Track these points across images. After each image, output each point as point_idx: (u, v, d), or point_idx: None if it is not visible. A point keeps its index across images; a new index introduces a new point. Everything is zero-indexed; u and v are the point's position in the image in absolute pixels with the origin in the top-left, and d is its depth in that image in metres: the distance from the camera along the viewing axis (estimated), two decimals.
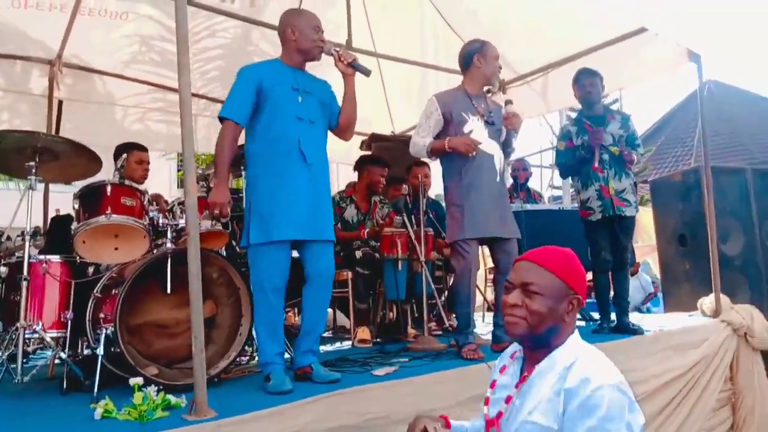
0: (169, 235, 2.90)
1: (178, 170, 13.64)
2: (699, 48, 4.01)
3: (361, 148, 5.80)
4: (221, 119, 2.67)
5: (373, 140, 5.62)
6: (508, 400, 1.55)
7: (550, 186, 12.32)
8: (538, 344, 1.52)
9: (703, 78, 4.15)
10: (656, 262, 5.78)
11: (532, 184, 5.93)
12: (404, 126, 6.27)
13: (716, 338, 4.01)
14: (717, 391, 3.94)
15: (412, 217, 3.78)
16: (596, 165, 3.76)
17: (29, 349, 2.81)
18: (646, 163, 17.57)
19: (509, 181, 5.33)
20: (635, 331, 3.71)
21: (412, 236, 3.57)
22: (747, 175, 4.78)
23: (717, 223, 4.35)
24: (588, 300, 5.27)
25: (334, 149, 5.02)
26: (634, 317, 4.65)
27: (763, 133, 17.35)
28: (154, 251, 2.86)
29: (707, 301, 4.31)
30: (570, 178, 4.47)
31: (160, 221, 2.92)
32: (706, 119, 4.52)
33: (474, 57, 3.29)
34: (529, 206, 4.70)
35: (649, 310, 8.23)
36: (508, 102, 3.28)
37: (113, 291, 2.70)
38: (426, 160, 3.96)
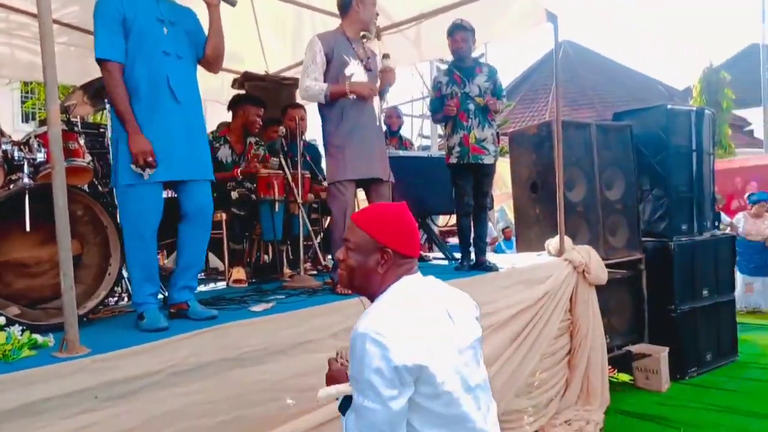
0: (26, 169, 2.70)
1: (23, 102, 12.29)
2: (556, 9, 4.32)
3: (233, 86, 5.63)
4: (99, 61, 2.48)
5: (246, 79, 5.48)
6: None
7: (419, 135, 12.76)
8: (363, 293, 1.70)
9: (559, 38, 4.50)
10: (511, 208, 6.30)
11: (404, 132, 6.14)
12: (278, 66, 6.15)
13: (559, 274, 4.51)
14: (558, 321, 4.48)
15: (288, 159, 3.80)
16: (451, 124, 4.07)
17: None
18: (506, 116, 18.68)
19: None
20: (491, 268, 4.08)
21: (290, 178, 3.60)
22: (591, 130, 5.30)
23: (564, 172, 4.83)
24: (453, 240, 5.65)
25: (205, 87, 4.85)
26: (490, 256, 5.08)
27: (607, 92, 19.17)
28: (11, 187, 2.65)
29: (553, 242, 4.80)
30: (440, 126, 4.69)
31: (16, 154, 2.71)
32: (560, 77, 4.93)
33: (353, 1, 3.32)
34: (401, 152, 4.90)
35: (503, 251, 9.01)
36: (386, 56, 3.37)
37: None
38: (302, 102, 3.97)
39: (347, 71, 3.19)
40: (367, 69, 3.26)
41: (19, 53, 5.13)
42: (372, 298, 1.68)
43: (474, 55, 4.61)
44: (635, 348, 5.38)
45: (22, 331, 2.13)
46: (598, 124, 5.45)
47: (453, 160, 4.09)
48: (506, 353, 3.85)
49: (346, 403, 1.60)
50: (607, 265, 5.09)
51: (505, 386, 3.79)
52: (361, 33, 3.49)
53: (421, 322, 1.53)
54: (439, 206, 4.70)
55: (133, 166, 2.46)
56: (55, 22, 5.08)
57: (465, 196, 4.14)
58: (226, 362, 2.39)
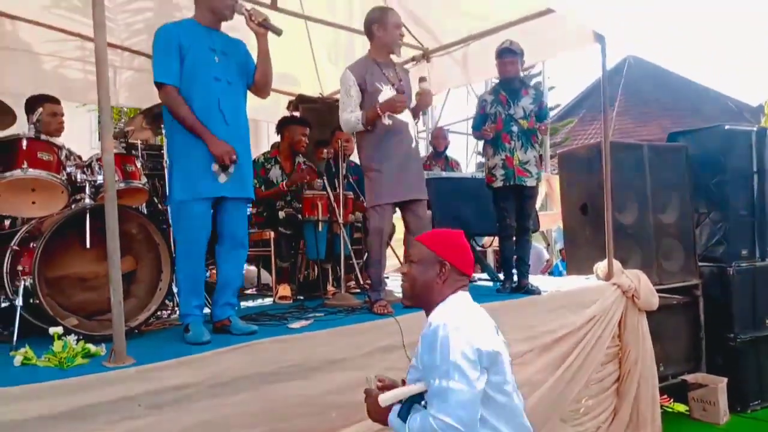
0: (87, 190, 2.92)
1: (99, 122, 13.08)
2: (604, 30, 4.30)
3: (288, 108, 5.85)
4: (158, 85, 2.69)
5: (300, 101, 5.69)
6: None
7: (476, 152, 12.72)
8: (421, 303, 1.89)
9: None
10: None
11: (456, 151, 6.20)
12: (332, 88, 6.34)
13: (607, 299, 4.42)
14: (605, 346, 4.38)
15: (335, 180, 3.93)
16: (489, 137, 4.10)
17: None
18: (567, 134, 18.37)
19: (429, 149, 5.56)
20: (533, 291, 4.05)
21: (332, 199, 3.72)
22: (644, 151, 5.19)
23: (615, 194, 4.74)
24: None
25: (262, 109, 5.07)
26: (536, 279, 5.04)
27: (674, 108, 18.51)
28: (73, 206, 2.88)
29: (601, 266, 4.72)
30: (482, 148, 4.71)
31: (78, 177, 2.94)
32: (626, 92, 4.86)
33: (373, 27, 3.38)
34: (443, 174, 4.95)
35: (560, 273, 8.86)
36: (422, 79, 3.44)
37: (31, 244, 2.72)
38: None
39: (381, 97, 3.27)
40: (399, 92, 3.32)
41: (93, 78, 5.50)
42: (429, 310, 1.85)
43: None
44: (691, 377, 5.18)
45: (77, 340, 2.31)
46: (650, 146, 5.34)
47: (498, 183, 4.10)
48: (550, 378, 3.80)
49: (404, 410, 1.73)
50: (662, 291, 4.96)
51: (548, 411, 3.75)
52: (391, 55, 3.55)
53: (486, 320, 1.78)
54: (482, 227, 4.72)
55: (214, 167, 2.66)
56: (126, 49, 5.47)
57: (507, 218, 4.15)
58: (263, 376, 2.50)
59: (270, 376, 2.52)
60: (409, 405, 1.72)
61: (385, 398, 1.75)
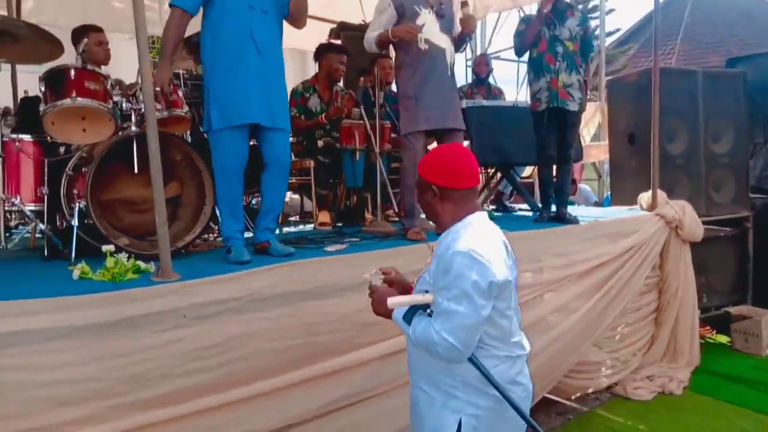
0: (133, 118, 3.06)
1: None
2: None
3: (330, 36, 5.81)
4: (171, 6, 2.73)
5: (342, 29, 5.63)
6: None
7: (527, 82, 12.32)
8: (438, 227, 1.92)
9: None
10: None
11: (507, 77, 6.05)
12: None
13: (648, 229, 4.37)
14: (644, 276, 4.37)
15: (373, 109, 3.95)
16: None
17: (11, 224, 3.05)
18: (626, 62, 17.50)
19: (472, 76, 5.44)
20: (571, 220, 4.04)
21: (368, 128, 3.76)
22: (698, 77, 4.96)
23: (664, 123, 4.59)
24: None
25: (309, 40, 5.04)
26: (577, 209, 5.02)
27: (742, 31, 17.26)
28: (120, 134, 3.03)
29: (645, 196, 4.64)
30: (527, 72, 4.57)
31: (124, 105, 3.08)
32: (691, 17, 4.61)
33: None
34: (484, 102, 4.87)
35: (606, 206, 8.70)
36: (464, 4, 3.37)
37: (83, 169, 2.91)
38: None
39: (419, 21, 3.23)
40: (439, 15, 3.26)
41: None
42: (445, 228, 1.89)
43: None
44: (735, 309, 5.13)
45: (128, 258, 2.49)
46: (705, 72, 5.09)
47: (541, 106, 4.01)
48: (585, 305, 3.85)
49: (410, 313, 1.82)
50: (709, 222, 4.87)
51: (581, 336, 3.82)
52: None
53: (499, 247, 1.79)
54: (523, 157, 4.67)
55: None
56: None
57: (548, 147, 4.10)
58: (299, 294, 2.64)
59: (306, 294, 2.66)
60: (414, 310, 1.80)
61: (393, 302, 1.82)
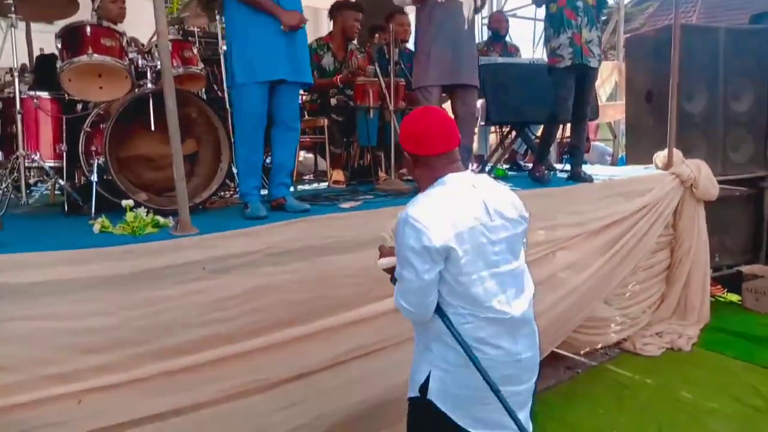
0: (149, 75, 3.08)
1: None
2: None
3: None
4: None
5: None
6: None
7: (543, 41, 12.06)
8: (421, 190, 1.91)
9: None
10: None
11: (525, 35, 5.94)
12: None
13: (662, 188, 4.36)
14: (657, 235, 4.38)
15: (387, 66, 3.92)
16: None
17: (31, 181, 3.11)
18: (646, 19, 17.06)
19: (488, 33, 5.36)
20: (585, 179, 4.04)
21: (383, 86, 3.74)
22: (719, 35, 4.86)
23: (683, 81, 4.52)
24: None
25: None
26: (593, 168, 5.00)
27: None
28: (136, 91, 3.05)
29: (661, 155, 4.61)
30: (544, 29, 4.47)
31: (140, 62, 3.09)
32: None
33: None
34: (498, 59, 4.81)
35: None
36: None
37: (101, 126, 2.94)
38: (408, 9, 4.01)
39: None
40: None
41: None
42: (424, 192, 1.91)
43: None
44: (747, 268, 5.14)
45: (147, 212, 2.55)
46: (728, 29, 4.98)
47: (564, 62, 3.86)
48: (596, 263, 3.88)
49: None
50: (726, 182, 4.84)
51: (592, 293, 3.86)
52: None
53: (454, 210, 1.72)
54: (537, 115, 4.63)
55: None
56: None
57: (567, 100, 3.97)
58: (315, 249, 2.70)
59: (321, 249, 2.71)
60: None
61: (380, 263, 1.90)
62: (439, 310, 1.74)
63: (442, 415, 1.78)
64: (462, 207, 1.74)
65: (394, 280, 1.83)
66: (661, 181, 4.40)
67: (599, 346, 4.28)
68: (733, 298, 5.32)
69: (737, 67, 4.90)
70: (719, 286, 5.38)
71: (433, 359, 1.80)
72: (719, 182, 4.65)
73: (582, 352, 4.19)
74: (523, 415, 1.83)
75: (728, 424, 3.28)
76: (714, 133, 4.93)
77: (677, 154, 4.55)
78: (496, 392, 1.69)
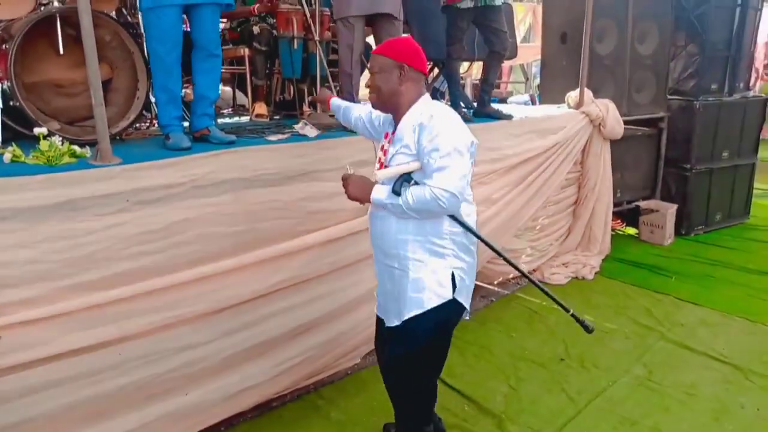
0: None
1: None
2: None
3: None
4: None
5: None
6: (384, 150, 2.12)
7: None
8: (390, 108, 2.12)
9: None
10: None
11: None
12: None
13: (573, 126, 4.59)
14: (566, 171, 4.64)
15: None
16: None
17: None
18: None
19: None
20: (504, 116, 4.17)
21: (308, 15, 3.64)
22: None
23: (596, 23, 4.70)
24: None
25: None
26: (506, 106, 5.16)
27: None
28: (41, 9, 2.81)
29: (573, 95, 4.82)
30: None
31: None
32: None
33: None
34: None
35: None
36: None
37: (3, 47, 2.70)
38: None
39: None
40: None
41: None
42: (399, 112, 2.09)
43: None
44: (644, 204, 5.57)
45: (63, 141, 2.40)
46: None
47: (469, 3, 3.75)
48: (508, 196, 4.07)
49: (398, 185, 1.99)
50: (629, 122, 5.13)
51: (505, 226, 4.07)
52: None
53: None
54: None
55: None
56: None
57: (462, 41, 3.99)
58: (243, 181, 2.67)
59: (249, 181, 2.69)
60: (401, 183, 1.98)
61: (382, 173, 2.04)
62: None
63: (459, 308, 2.11)
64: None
65: (396, 190, 1.98)
66: (572, 119, 4.62)
67: (511, 276, 4.55)
68: (631, 231, 5.78)
69: (644, 11, 5.11)
70: (618, 220, 5.81)
71: (453, 262, 2.06)
72: (624, 122, 4.94)
73: (495, 282, 4.44)
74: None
75: (625, 341, 3.64)
76: (621, 74, 5.17)
77: (588, 94, 4.77)
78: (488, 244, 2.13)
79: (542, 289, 2.23)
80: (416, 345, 2.13)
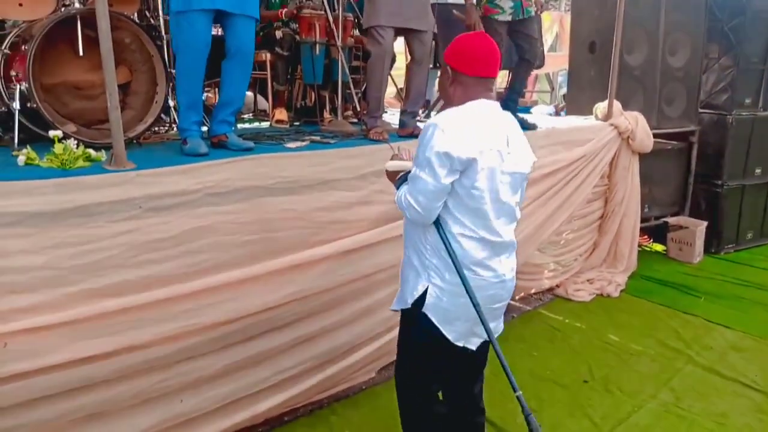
0: None
1: None
2: None
3: None
4: None
5: None
6: None
7: None
8: (445, 108, 2.01)
9: None
10: None
11: None
12: None
13: (601, 139, 4.46)
14: (593, 185, 4.51)
15: (334, 0, 3.75)
16: None
17: None
18: None
19: None
20: (530, 126, 4.06)
21: (331, 20, 3.58)
22: None
23: (625, 33, 4.57)
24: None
25: None
26: (534, 116, 5.04)
27: None
28: (62, 10, 2.79)
29: (601, 107, 4.69)
30: None
31: None
32: None
33: None
34: (449, 0, 4.70)
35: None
36: None
37: (23, 47, 2.68)
38: None
39: None
40: None
41: None
42: None
43: None
44: (673, 220, 5.40)
45: (77, 144, 2.36)
46: None
47: (507, 17, 3.71)
48: (531, 208, 3.94)
49: (402, 179, 2.03)
50: (658, 135, 4.99)
51: (527, 240, 3.94)
52: None
53: (481, 130, 1.85)
54: None
55: None
56: None
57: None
58: (259, 189, 2.60)
59: (265, 189, 2.62)
60: (404, 178, 2.02)
61: (388, 165, 2.11)
62: (437, 223, 1.90)
63: (432, 326, 1.96)
64: (488, 128, 1.86)
65: (398, 183, 2.02)
66: (600, 131, 4.49)
67: (533, 291, 4.43)
68: (658, 247, 5.61)
69: (677, 22, 4.98)
70: (645, 236, 5.65)
71: (432, 276, 1.96)
72: (653, 135, 4.79)
73: (517, 297, 4.32)
74: (495, 324, 2.03)
75: (651, 364, 3.49)
76: (651, 86, 5.03)
77: (617, 105, 4.64)
78: (476, 306, 1.86)
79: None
80: (403, 337, 2.16)
